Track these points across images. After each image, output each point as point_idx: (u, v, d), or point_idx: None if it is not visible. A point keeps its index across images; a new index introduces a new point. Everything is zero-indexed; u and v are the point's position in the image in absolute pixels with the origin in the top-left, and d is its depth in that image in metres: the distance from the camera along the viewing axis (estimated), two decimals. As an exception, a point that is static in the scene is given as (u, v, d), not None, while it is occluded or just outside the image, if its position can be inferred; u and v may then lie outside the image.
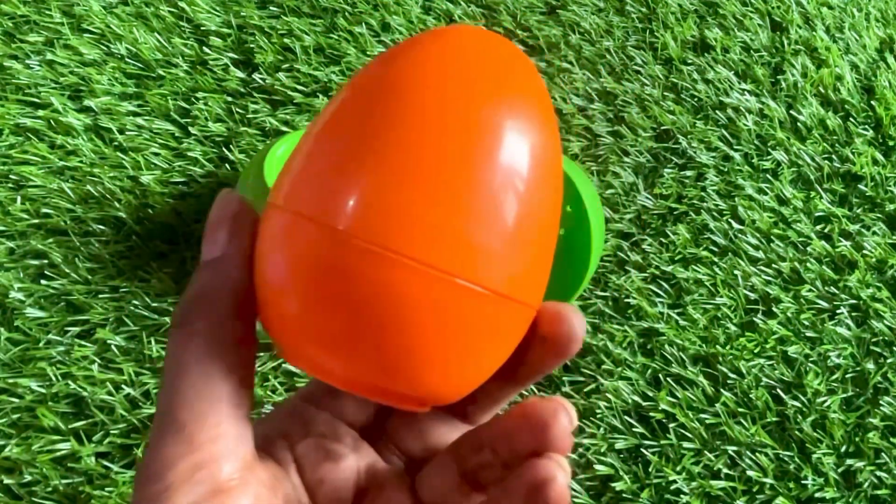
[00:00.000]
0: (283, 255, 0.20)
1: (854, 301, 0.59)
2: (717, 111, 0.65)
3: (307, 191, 0.20)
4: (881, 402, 0.56)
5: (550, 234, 0.21)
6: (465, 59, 0.21)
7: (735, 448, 0.55)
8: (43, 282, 0.58)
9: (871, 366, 0.57)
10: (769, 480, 0.54)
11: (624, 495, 0.53)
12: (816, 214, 0.62)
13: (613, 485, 0.53)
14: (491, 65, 0.21)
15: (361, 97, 0.20)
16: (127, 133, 0.63)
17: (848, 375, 0.57)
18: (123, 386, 0.55)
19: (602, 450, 0.55)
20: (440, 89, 0.20)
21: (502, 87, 0.21)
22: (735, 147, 0.64)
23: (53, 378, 0.55)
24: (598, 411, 0.56)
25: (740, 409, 0.56)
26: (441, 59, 0.20)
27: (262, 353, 0.56)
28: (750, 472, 0.54)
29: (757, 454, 0.55)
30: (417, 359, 0.20)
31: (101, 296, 0.58)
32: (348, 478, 0.26)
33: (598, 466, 0.54)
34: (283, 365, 0.56)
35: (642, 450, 0.55)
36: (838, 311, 0.59)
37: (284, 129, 0.64)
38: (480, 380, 0.22)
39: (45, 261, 0.59)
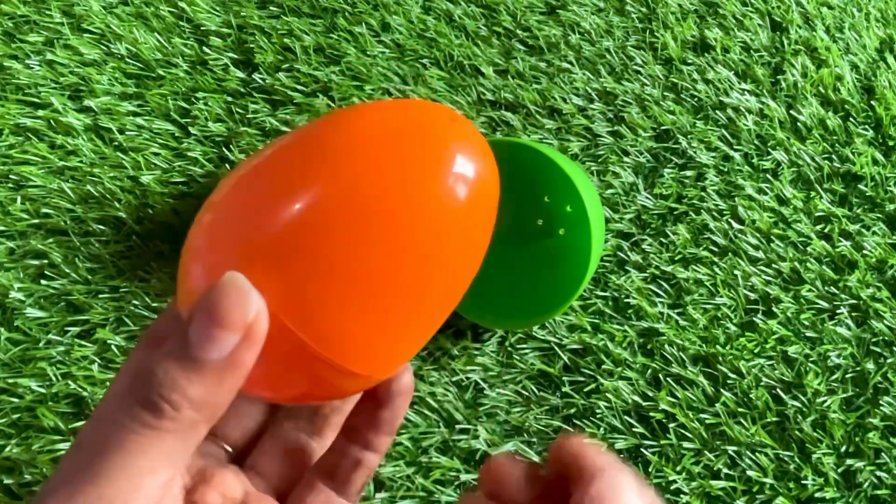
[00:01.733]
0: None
1: (854, 301, 0.59)
2: (717, 111, 0.65)
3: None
4: (881, 402, 0.56)
5: (437, 315, 0.25)
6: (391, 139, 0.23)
7: (735, 448, 0.55)
8: (43, 282, 0.58)
9: (871, 366, 0.57)
10: (769, 480, 0.54)
11: (624, 495, 0.53)
12: (816, 214, 0.62)
13: (613, 485, 0.53)
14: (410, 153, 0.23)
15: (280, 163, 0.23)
16: (127, 133, 0.63)
17: (848, 375, 0.57)
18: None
19: (602, 450, 0.55)
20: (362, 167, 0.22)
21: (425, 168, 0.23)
22: (735, 147, 0.64)
23: (53, 378, 0.55)
24: (598, 411, 0.56)
25: (740, 409, 0.56)
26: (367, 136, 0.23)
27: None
28: (750, 472, 0.54)
29: (757, 454, 0.55)
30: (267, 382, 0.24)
31: (101, 296, 0.58)
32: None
33: (598, 466, 0.54)
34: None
35: (642, 450, 0.55)
36: (838, 311, 0.59)
37: (284, 129, 0.64)
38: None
39: (45, 261, 0.59)
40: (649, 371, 0.57)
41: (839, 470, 0.54)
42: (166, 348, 0.21)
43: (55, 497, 0.20)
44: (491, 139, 0.53)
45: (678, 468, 0.54)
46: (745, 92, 0.66)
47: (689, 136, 0.64)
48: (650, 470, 0.54)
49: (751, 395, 0.56)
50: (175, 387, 0.21)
